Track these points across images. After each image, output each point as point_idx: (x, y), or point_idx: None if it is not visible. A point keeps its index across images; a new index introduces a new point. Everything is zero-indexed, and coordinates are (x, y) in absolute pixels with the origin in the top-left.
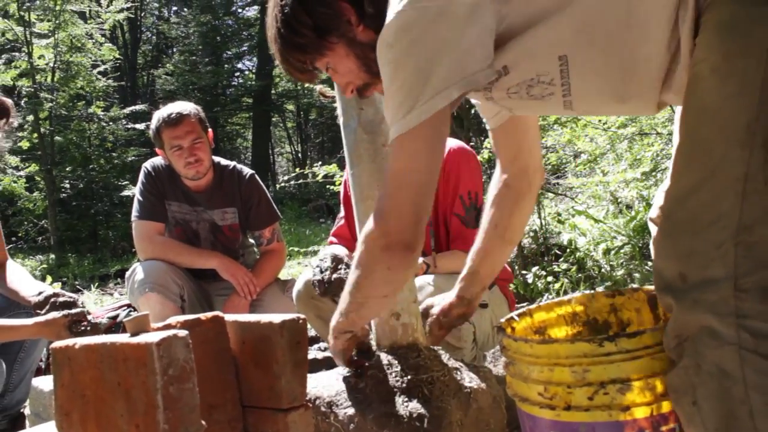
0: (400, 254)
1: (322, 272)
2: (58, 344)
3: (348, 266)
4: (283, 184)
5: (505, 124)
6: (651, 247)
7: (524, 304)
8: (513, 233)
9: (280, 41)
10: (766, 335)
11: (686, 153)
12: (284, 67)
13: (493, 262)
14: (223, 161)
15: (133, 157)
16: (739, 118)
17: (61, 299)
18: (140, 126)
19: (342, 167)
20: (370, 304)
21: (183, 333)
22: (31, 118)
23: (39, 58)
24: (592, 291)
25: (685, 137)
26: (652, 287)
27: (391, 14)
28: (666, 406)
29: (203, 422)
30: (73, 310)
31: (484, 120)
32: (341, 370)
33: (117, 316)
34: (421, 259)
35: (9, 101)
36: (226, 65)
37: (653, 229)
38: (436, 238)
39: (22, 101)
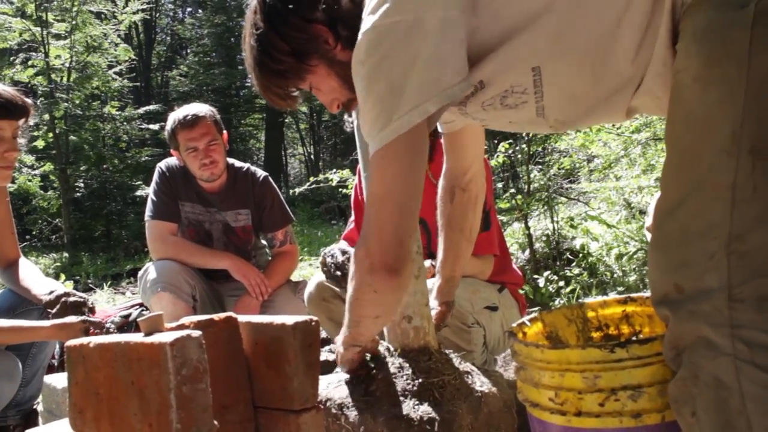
0: (384, 277)
1: (334, 261)
2: (72, 342)
3: None
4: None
5: (462, 130)
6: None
7: (535, 308)
8: (473, 232)
9: (259, 69)
10: (762, 345)
11: (673, 163)
12: (266, 95)
13: (464, 262)
14: (237, 163)
15: (146, 158)
16: (723, 126)
17: (71, 299)
18: (154, 126)
19: (355, 171)
20: (364, 323)
21: (197, 333)
22: (46, 117)
23: (55, 57)
24: (604, 297)
25: (672, 147)
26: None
27: (361, 32)
28: None
29: (216, 422)
30: (92, 318)
31: (438, 124)
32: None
33: (129, 315)
34: (429, 262)
35: (29, 101)
36: (239, 66)
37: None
38: None
39: (38, 100)
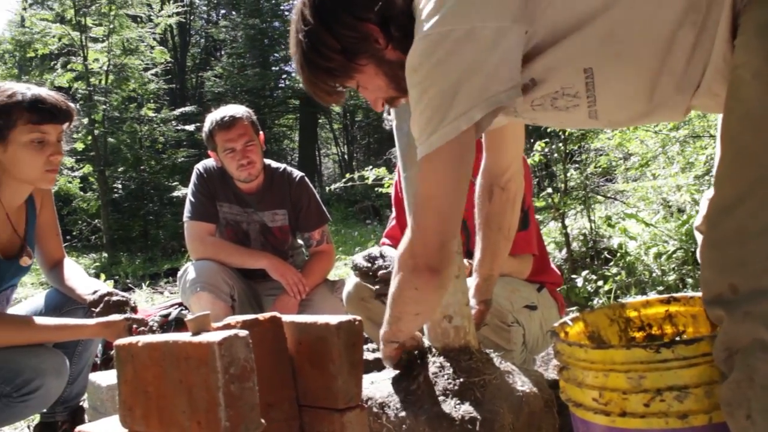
0: (427, 277)
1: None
2: (121, 341)
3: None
4: (332, 188)
5: (503, 128)
6: (698, 256)
7: (573, 308)
8: (511, 231)
9: (308, 66)
10: None
11: (730, 161)
12: (312, 91)
13: (502, 261)
14: (274, 164)
15: (182, 158)
16: None
17: (114, 298)
18: (189, 127)
19: (390, 170)
20: (405, 320)
21: (244, 333)
22: (85, 120)
23: (94, 61)
24: (646, 296)
25: (728, 145)
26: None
27: (417, 38)
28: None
29: (262, 420)
30: (135, 315)
31: None
32: (392, 373)
33: (169, 314)
34: (467, 261)
35: (73, 105)
36: (273, 68)
37: (699, 238)
38: None
39: (78, 104)
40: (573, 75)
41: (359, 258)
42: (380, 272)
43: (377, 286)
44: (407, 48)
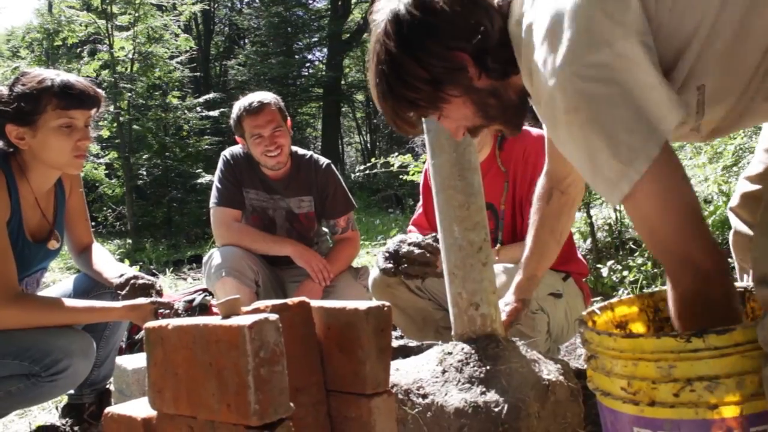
0: (720, 275)
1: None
2: (151, 324)
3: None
4: (357, 174)
5: None
6: (731, 239)
7: (598, 298)
8: (564, 235)
9: (392, 98)
10: None
11: None
12: (393, 122)
13: (547, 263)
14: (300, 150)
15: (206, 146)
16: None
17: (140, 281)
18: (214, 113)
19: (414, 157)
20: None
21: (274, 317)
22: (111, 108)
23: (120, 49)
24: None
25: None
26: (737, 284)
27: (551, 77)
28: (757, 406)
29: (291, 404)
30: (161, 299)
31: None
32: (418, 360)
33: (193, 300)
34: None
35: (101, 92)
36: (296, 56)
37: (733, 220)
38: (511, 228)
39: (104, 91)
40: (688, 92)
41: (380, 260)
42: (407, 254)
43: (405, 271)
44: (502, 75)
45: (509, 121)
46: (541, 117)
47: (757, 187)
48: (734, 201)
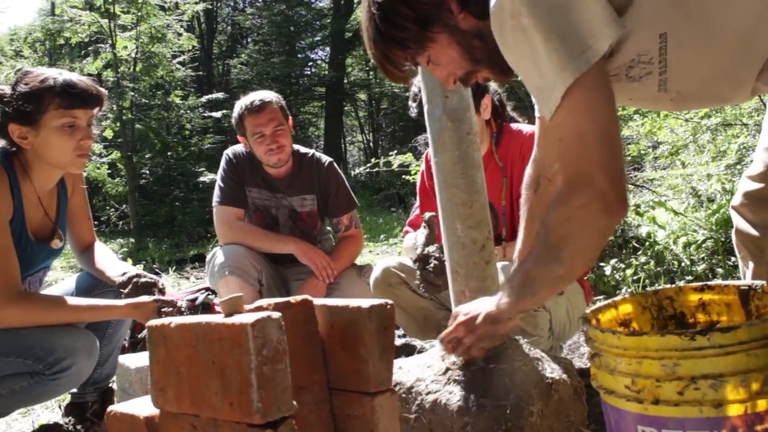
0: (620, 210)
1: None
2: (154, 322)
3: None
4: (358, 172)
5: None
6: (733, 237)
7: (601, 296)
8: None
9: (380, 39)
10: None
11: None
12: (382, 66)
13: None
14: (303, 149)
15: (209, 145)
16: None
17: (142, 280)
18: (216, 114)
19: (416, 157)
20: (550, 285)
21: (277, 315)
22: (114, 107)
23: (122, 49)
24: (679, 284)
25: None
26: (741, 282)
27: None
28: (761, 405)
29: (294, 402)
30: (164, 297)
31: (535, 104)
32: (420, 358)
33: (196, 299)
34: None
35: (104, 91)
36: (299, 55)
37: (736, 219)
38: (510, 224)
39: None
40: (649, 40)
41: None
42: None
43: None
44: (481, 13)
45: (495, 65)
46: (492, 27)
47: (759, 185)
48: (736, 200)
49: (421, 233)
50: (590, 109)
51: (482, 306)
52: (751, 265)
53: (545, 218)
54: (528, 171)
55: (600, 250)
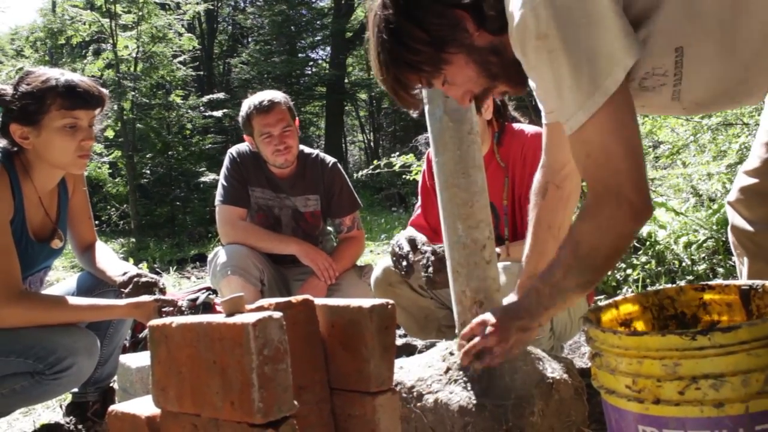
0: (646, 213)
1: (401, 252)
2: (155, 322)
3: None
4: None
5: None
6: (729, 233)
7: (602, 296)
8: (562, 231)
9: (393, 63)
10: None
11: None
12: (394, 91)
13: (548, 261)
14: (307, 149)
15: (209, 145)
16: None
17: (143, 279)
18: (217, 113)
19: (417, 157)
20: (574, 294)
21: (278, 314)
22: (115, 107)
23: (123, 48)
24: (680, 284)
25: None
26: (742, 282)
27: (524, 8)
28: (763, 404)
29: (295, 402)
30: (164, 296)
31: (543, 113)
32: (420, 358)
33: (197, 298)
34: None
35: (105, 92)
36: (300, 54)
37: (731, 214)
38: (512, 224)
39: (108, 90)
40: (665, 54)
41: (402, 240)
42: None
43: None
44: (498, 29)
45: (512, 78)
46: (513, 43)
47: (755, 180)
48: (732, 195)
49: (404, 239)
50: (617, 128)
51: (508, 315)
52: (746, 260)
53: (573, 231)
54: (537, 176)
55: (622, 251)
